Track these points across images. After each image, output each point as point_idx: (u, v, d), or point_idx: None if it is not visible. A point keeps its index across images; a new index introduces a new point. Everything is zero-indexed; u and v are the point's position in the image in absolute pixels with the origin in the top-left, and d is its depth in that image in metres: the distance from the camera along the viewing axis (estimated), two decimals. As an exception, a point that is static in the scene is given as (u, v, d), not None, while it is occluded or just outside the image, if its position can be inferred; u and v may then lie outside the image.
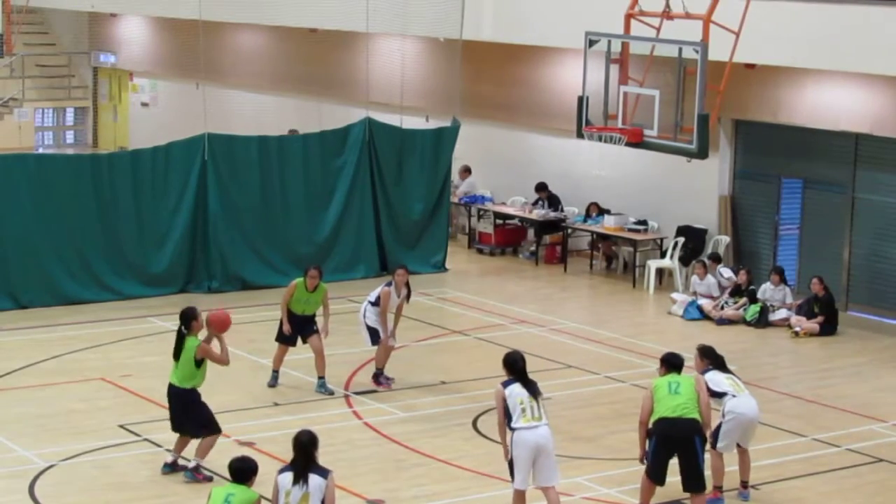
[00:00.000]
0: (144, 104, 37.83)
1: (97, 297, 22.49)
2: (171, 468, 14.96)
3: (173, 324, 19.52)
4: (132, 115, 38.20)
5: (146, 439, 16.04)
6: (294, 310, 17.85)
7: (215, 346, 14.95)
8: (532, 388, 13.09)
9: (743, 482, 14.64)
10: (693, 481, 13.55)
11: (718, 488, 14.30)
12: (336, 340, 20.34)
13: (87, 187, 22.64)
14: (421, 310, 22.32)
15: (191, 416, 14.80)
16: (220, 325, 14.99)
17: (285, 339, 18.04)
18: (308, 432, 11.47)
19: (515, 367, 13.17)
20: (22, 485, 14.58)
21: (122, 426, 16.48)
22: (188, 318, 14.86)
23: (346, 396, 17.87)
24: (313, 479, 11.16)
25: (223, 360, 14.95)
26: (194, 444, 14.92)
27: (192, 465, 14.78)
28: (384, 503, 14.37)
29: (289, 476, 11.18)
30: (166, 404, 17.22)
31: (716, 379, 14.41)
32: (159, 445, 15.83)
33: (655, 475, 13.57)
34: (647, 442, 13.57)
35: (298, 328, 17.90)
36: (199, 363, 14.75)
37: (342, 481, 14.80)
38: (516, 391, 13.03)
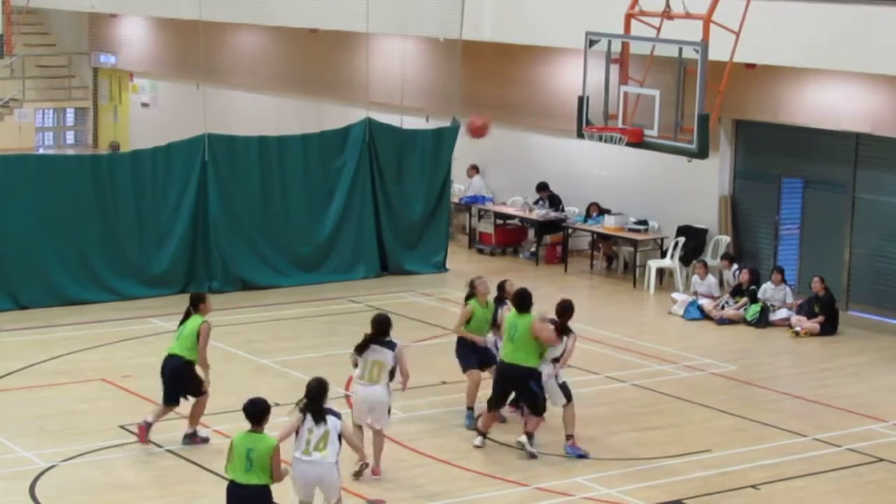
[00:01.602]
0: (145, 105, 37.84)
1: (97, 297, 22.49)
2: (190, 440, 15.90)
3: (174, 324, 19.54)
4: (132, 115, 38.21)
5: (146, 440, 16.03)
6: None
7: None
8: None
9: (568, 435, 15.91)
10: None
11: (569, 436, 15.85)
12: (336, 341, 20.37)
13: (88, 188, 22.64)
14: (421, 310, 22.33)
15: (184, 385, 15.79)
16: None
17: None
18: (318, 379, 12.89)
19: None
20: (22, 485, 14.58)
21: (122, 427, 16.48)
22: (196, 301, 15.94)
23: (347, 396, 17.86)
24: (330, 419, 12.72)
25: (202, 362, 15.91)
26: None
27: (189, 431, 15.91)
28: (384, 503, 14.37)
29: (308, 418, 12.67)
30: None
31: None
32: (160, 446, 15.83)
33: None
34: None
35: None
36: (198, 339, 15.77)
37: (343, 481, 14.81)
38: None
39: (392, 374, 14.88)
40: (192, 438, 15.90)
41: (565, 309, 16.16)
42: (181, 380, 15.82)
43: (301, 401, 12.88)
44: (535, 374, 15.55)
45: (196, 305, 15.89)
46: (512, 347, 15.60)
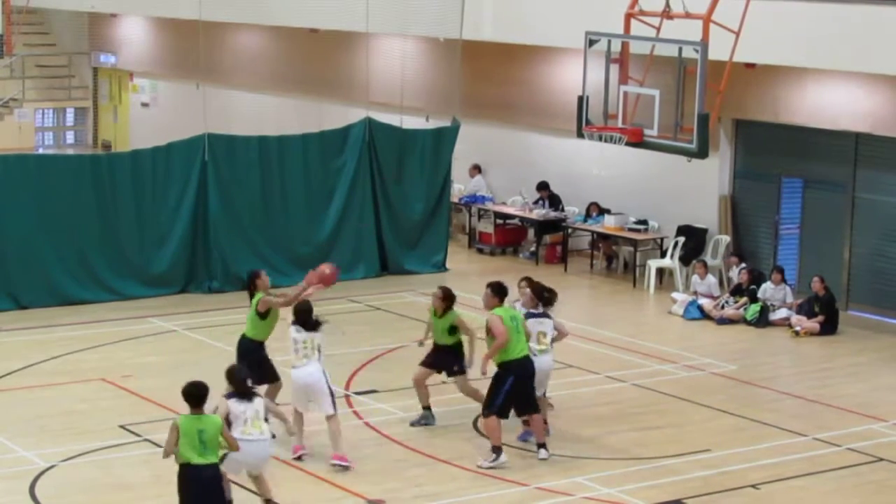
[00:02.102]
0: (144, 104, 37.84)
1: (97, 297, 22.49)
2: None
3: (174, 324, 19.60)
4: (132, 115, 38.20)
5: (146, 439, 16.04)
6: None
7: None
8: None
9: (524, 422, 16.01)
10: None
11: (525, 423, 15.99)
12: (336, 340, 20.37)
13: (88, 188, 22.65)
14: (421, 310, 22.30)
15: (252, 366, 15.46)
16: (323, 280, 15.80)
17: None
18: (232, 365, 13.74)
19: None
20: (22, 485, 14.58)
21: (122, 426, 16.49)
22: (252, 278, 16.27)
23: (347, 396, 17.87)
24: (256, 399, 13.35)
25: (286, 303, 15.91)
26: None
27: None
28: (384, 503, 14.37)
29: (239, 401, 13.17)
30: (167, 404, 17.28)
31: (533, 328, 15.95)
32: (160, 446, 15.77)
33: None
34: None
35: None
36: (262, 315, 15.91)
37: (343, 481, 14.84)
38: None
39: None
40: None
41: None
42: (248, 361, 15.64)
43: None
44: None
45: (252, 283, 16.15)
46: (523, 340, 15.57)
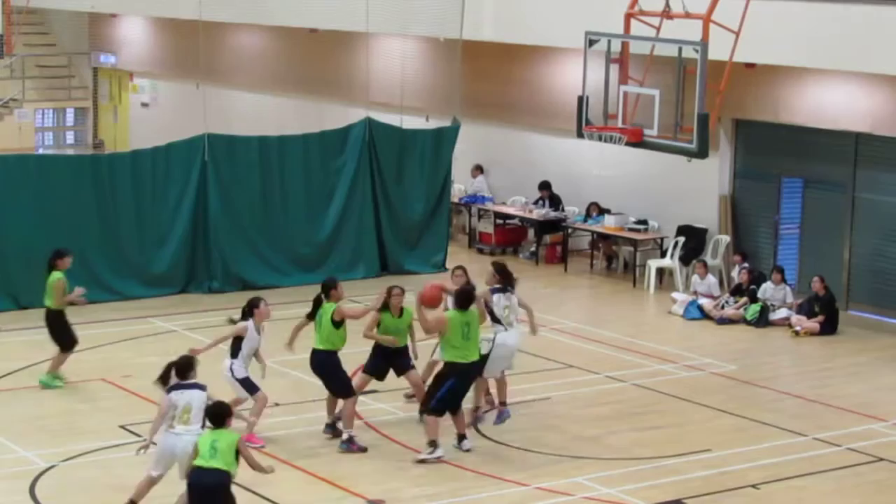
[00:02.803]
0: (144, 105, 37.83)
1: (97, 297, 22.39)
2: (332, 430, 16.12)
3: (174, 324, 19.59)
4: (132, 115, 38.19)
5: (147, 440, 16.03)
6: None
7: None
8: None
9: (501, 402, 16.42)
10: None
11: (502, 403, 16.42)
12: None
13: (88, 188, 22.66)
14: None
15: (330, 378, 15.78)
16: (430, 301, 15.75)
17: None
18: (185, 356, 13.92)
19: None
20: (23, 485, 14.59)
21: (122, 427, 16.49)
22: (328, 288, 16.05)
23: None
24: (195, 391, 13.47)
25: (359, 314, 16.10)
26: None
27: (345, 437, 15.79)
28: (385, 503, 14.37)
29: (181, 392, 13.46)
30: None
31: (499, 302, 16.26)
32: (160, 446, 15.82)
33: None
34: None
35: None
36: (337, 325, 15.76)
37: (343, 481, 14.84)
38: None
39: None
40: (349, 445, 15.78)
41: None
42: (325, 373, 15.85)
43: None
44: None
45: (328, 293, 15.97)
46: (472, 345, 15.58)
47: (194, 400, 13.36)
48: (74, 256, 22.22)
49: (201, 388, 13.52)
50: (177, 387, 13.51)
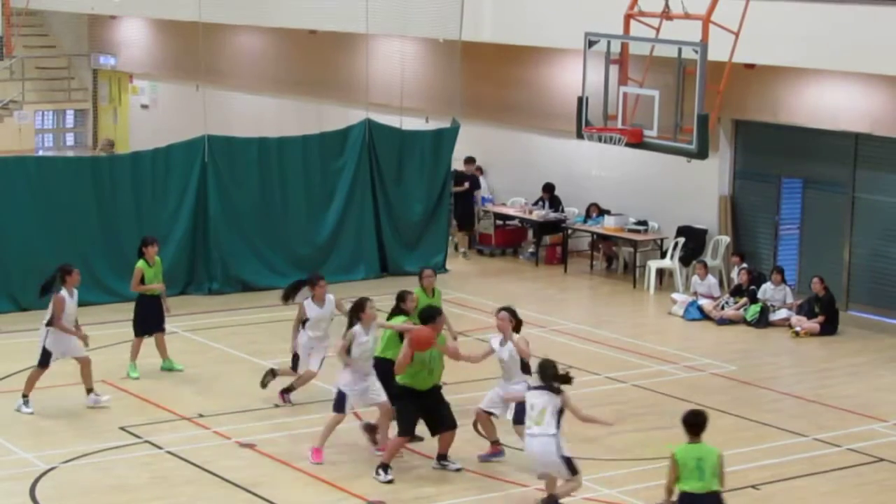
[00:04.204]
0: (144, 106, 37.83)
1: (98, 299, 22.44)
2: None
3: (174, 326, 19.58)
4: (132, 117, 38.20)
5: (147, 441, 16.05)
6: None
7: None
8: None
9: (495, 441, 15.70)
10: None
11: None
12: (336, 341, 20.37)
13: (88, 189, 22.66)
14: (421, 311, 22.30)
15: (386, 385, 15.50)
16: (419, 344, 14.94)
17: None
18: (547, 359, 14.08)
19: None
20: (23, 487, 14.58)
21: (122, 428, 16.49)
22: (402, 299, 15.96)
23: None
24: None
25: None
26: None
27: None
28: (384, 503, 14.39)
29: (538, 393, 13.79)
30: (167, 405, 17.28)
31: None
32: (160, 447, 15.84)
33: None
34: None
35: None
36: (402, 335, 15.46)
37: (344, 482, 14.83)
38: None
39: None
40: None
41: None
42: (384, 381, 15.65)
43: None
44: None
45: (399, 304, 15.99)
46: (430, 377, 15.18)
47: (549, 403, 13.58)
48: (75, 258, 22.30)
49: (556, 391, 13.70)
50: (534, 387, 13.77)
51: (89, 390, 17.26)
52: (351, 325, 15.41)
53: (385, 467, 14.92)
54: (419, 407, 15.10)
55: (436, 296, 17.24)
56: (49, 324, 16.92)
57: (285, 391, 17.46)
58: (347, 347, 15.31)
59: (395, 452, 15.05)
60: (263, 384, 17.51)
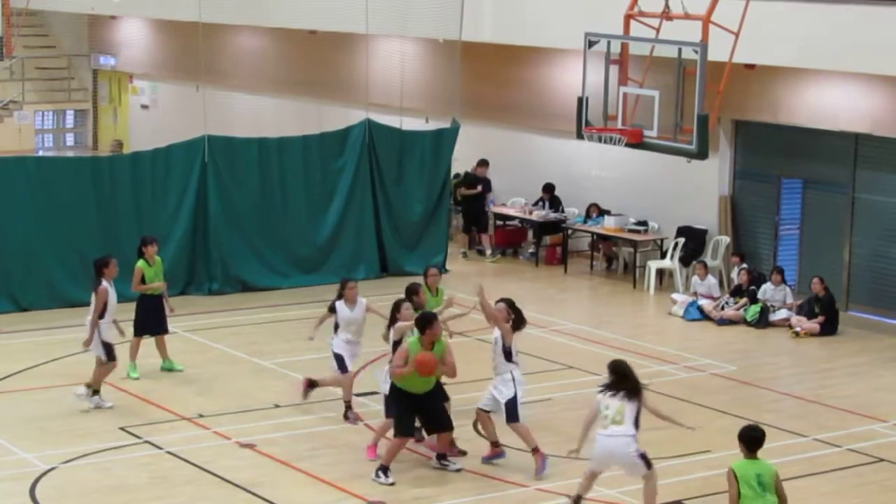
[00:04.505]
0: (144, 106, 37.85)
1: (98, 299, 22.46)
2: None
3: (174, 326, 19.56)
4: (132, 117, 38.22)
5: (147, 441, 16.05)
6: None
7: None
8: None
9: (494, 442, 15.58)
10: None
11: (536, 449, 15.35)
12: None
13: (88, 189, 22.66)
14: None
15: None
16: (423, 369, 14.80)
17: None
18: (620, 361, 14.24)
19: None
20: (23, 487, 14.58)
21: (122, 429, 16.49)
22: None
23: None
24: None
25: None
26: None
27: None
28: (385, 504, 14.39)
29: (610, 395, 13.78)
30: (167, 406, 17.27)
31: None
32: (160, 447, 15.84)
33: None
34: None
35: None
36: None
37: (344, 483, 14.83)
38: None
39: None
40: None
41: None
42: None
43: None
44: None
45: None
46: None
47: (627, 404, 13.69)
48: (75, 258, 22.27)
49: (635, 393, 13.82)
50: (606, 388, 13.81)
51: (96, 391, 17.27)
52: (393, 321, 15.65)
53: (385, 470, 14.91)
54: (416, 407, 15.10)
55: (439, 295, 17.29)
56: (98, 317, 17.06)
57: (347, 408, 16.90)
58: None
59: (395, 454, 15.04)
60: (305, 396, 17.18)
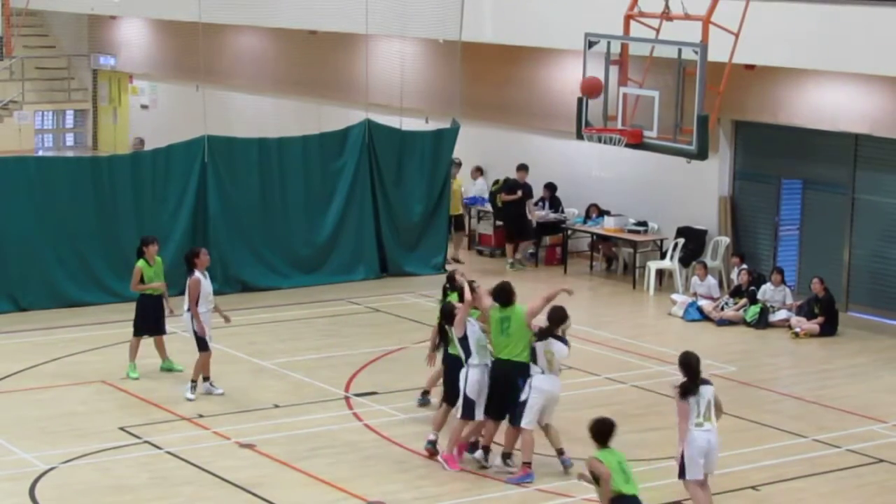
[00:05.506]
0: (144, 106, 37.85)
1: (97, 299, 22.48)
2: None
3: (173, 326, 19.55)
4: (132, 117, 38.22)
5: (146, 441, 16.05)
6: None
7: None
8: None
9: (559, 450, 15.36)
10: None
11: (527, 464, 15.10)
12: (337, 342, 20.39)
13: (88, 190, 22.65)
14: (421, 311, 22.33)
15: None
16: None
17: None
18: (690, 353, 14.18)
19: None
20: (22, 487, 14.58)
21: (122, 429, 16.49)
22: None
23: (347, 398, 17.88)
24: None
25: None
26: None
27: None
28: (384, 504, 14.40)
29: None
30: (167, 406, 17.27)
31: (538, 345, 15.32)
32: (159, 447, 15.84)
33: None
34: None
35: None
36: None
37: (343, 483, 14.84)
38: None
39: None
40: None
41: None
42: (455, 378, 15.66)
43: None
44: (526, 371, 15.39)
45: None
46: (506, 341, 15.32)
47: (711, 396, 13.69)
48: (75, 258, 22.27)
49: (708, 382, 13.83)
50: (689, 388, 13.74)
51: (206, 378, 17.73)
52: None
53: (484, 450, 15.31)
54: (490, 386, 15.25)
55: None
56: (189, 309, 17.41)
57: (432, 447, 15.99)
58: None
59: (477, 433, 15.34)
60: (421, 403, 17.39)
